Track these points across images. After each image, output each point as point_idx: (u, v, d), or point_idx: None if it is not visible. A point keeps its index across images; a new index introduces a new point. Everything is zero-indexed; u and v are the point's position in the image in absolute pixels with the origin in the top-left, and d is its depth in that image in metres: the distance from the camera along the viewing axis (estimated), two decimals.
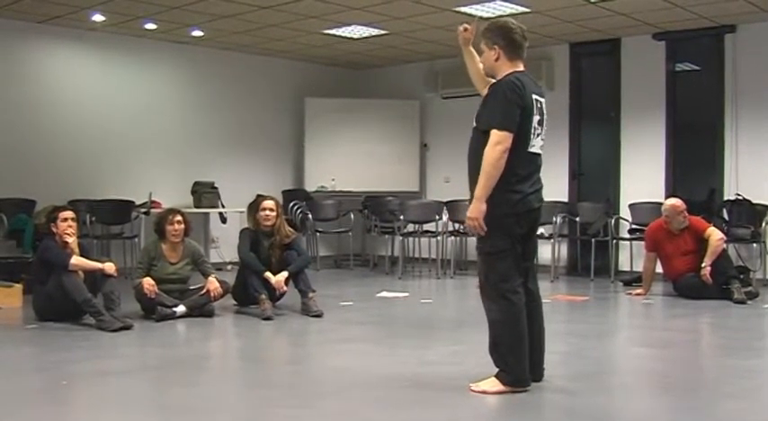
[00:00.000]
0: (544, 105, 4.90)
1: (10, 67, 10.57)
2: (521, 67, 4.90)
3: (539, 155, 4.89)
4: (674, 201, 9.27)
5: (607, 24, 10.62)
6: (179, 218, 7.83)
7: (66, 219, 7.35)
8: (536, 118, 4.78)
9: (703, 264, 8.86)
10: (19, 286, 8.42)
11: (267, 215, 8.07)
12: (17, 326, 7.40)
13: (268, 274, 7.88)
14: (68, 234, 7.29)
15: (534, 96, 4.79)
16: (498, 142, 4.63)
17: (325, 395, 4.99)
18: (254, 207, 8.22)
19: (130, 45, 11.55)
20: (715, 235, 9.02)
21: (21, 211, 10.20)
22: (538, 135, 4.82)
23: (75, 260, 7.15)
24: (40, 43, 10.81)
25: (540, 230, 10.17)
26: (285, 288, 7.93)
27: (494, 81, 4.91)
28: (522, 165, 4.76)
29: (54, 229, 7.31)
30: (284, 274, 7.88)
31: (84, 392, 5.20)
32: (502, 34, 4.88)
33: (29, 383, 5.36)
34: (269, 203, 8.14)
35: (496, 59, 4.89)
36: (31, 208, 10.36)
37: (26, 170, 10.59)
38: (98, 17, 10.37)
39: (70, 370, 5.64)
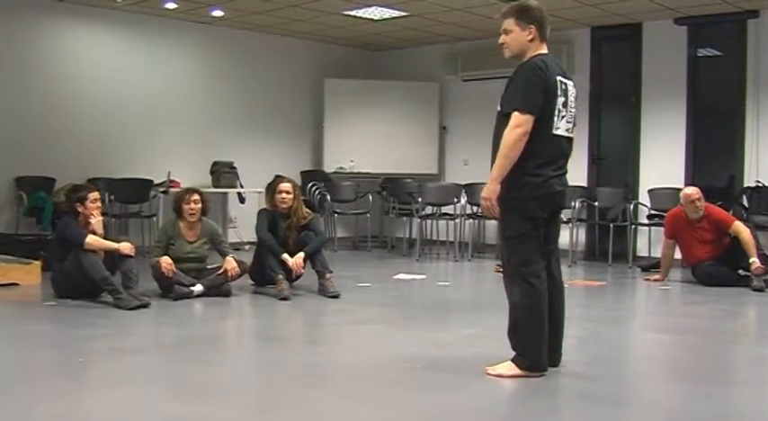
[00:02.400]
0: (570, 87, 4.85)
1: (30, 45, 10.60)
2: (545, 49, 4.87)
3: (565, 138, 4.84)
4: (688, 189, 9.21)
5: (628, 8, 10.55)
6: (196, 197, 7.84)
7: (95, 201, 7.40)
8: (560, 100, 4.73)
9: (751, 260, 8.75)
10: (38, 263, 8.46)
11: (283, 198, 8.07)
12: (35, 303, 7.44)
13: (285, 257, 7.88)
14: (94, 215, 7.33)
15: (558, 78, 4.75)
16: (518, 125, 4.60)
17: (341, 376, 5.00)
18: (272, 188, 8.22)
19: (151, 25, 11.57)
20: (743, 230, 8.93)
21: (40, 189, 10.26)
22: (563, 117, 4.77)
23: (91, 239, 7.16)
24: (60, 22, 10.84)
25: None
26: (303, 269, 7.94)
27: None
28: (546, 148, 4.72)
29: (81, 209, 7.34)
30: (301, 255, 7.88)
31: (100, 369, 5.24)
32: (538, 16, 4.83)
33: (46, 359, 5.40)
34: (285, 186, 8.13)
35: (531, 39, 4.83)
36: (50, 186, 10.43)
37: (46, 148, 10.64)
38: None
39: (87, 347, 5.67)
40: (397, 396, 4.51)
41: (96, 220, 7.33)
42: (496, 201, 4.70)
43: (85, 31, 11.13)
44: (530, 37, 4.83)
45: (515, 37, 4.87)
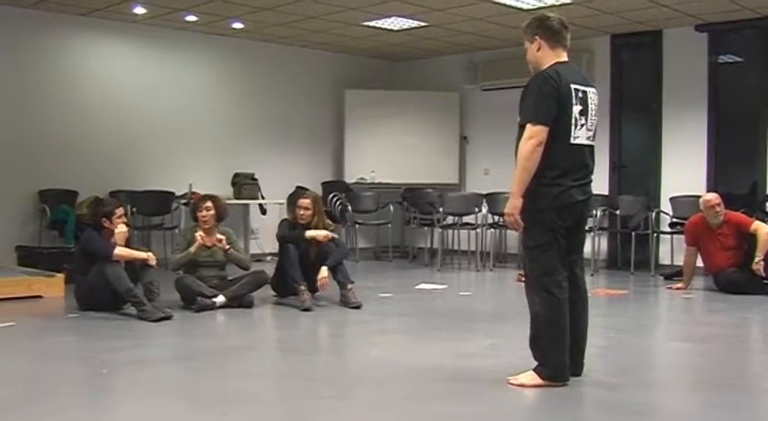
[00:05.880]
0: (590, 94, 4.85)
1: (53, 60, 10.68)
2: (563, 57, 4.87)
3: (585, 146, 4.83)
4: (707, 195, 9.21)
5: (649, 16, 10.53)
6: (208, 204, 7.92)
7: (121, 216, 7.49)
8: (577, 108, 4.73)
9: (756, 259, 8.75)
10: (61, 276, 8.52)
11: (302, 214, 8.08)
12: (59, 316, 7.47)
13: (310, 232, 7.95)
14: (121, 229, 7.41)
15: (574, 86, 4.74)
16: (531, 136, 4.62)
17: (363, 386, 5.00)
18: (293, 201, 8.25)
19: (171, 37, 11.63)
20: (762, 228, 8.90)
21: (63, 202, 10.32)
22: (582, 126, 4.77)
23: (119, 250, 7.24)
24: (82, 36, 10.91)
25: None
26: (328, 285, 7.95)
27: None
28: (564, 158, 4.72)
29: (107, 224, 7.40)
30: (324, 271, 7.89)
31: (124, 381, 5.25)
32: (539, 24, 4.87)
33: (70, 371, 5.44)
34: (304, 202, 8.12)
35: (538, 50, 4.87)
36: (73, 199, 10.49)
37: (68, 162, 10.70)
38: (139, 9, 10.44)
39: (111, 358, 5.69)
40: (420, 406, 4.51)
41: (119, 231, 7.38)
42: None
43: (107, 44, 11.20)
44: (536, 48, 4.87)
45: (528, 51, 4.95)
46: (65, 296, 8.24)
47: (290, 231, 8.04)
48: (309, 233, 7.97)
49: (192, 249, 7.74)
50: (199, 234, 7.78)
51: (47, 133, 10.56)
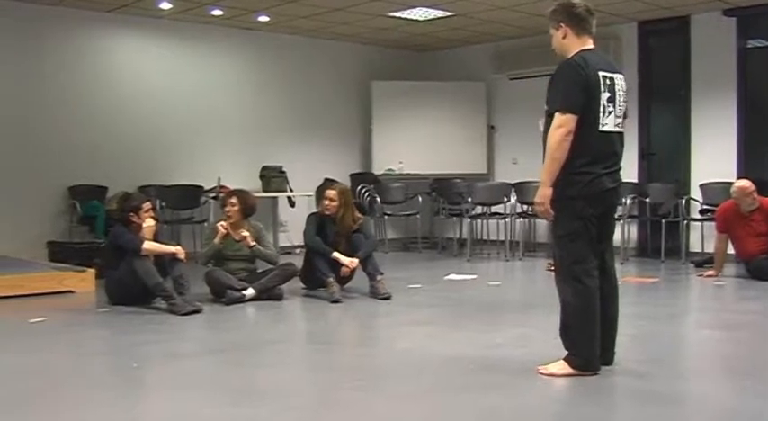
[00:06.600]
0: (617, 81, 4.81)
1: (81, 56, 10.74)
2: (590, 45, 4.84)
3: (614, 133, 4.80)
4: (742, 182, 9.12)
5: (676, 2, 10.44)
6: (233, 199, 7.93)
7: (148, 210, 7.54)
8: (605, 95, 4.70)
9: None
10: (92, 271, 8.57)
11: (327, 205, 8.09)
12: (90, 310, 7.53)
13: (336, 254, 7.91)
14: (148, 223, 7.46)
15: (601, 73, 4.71)
16: (560, 125, 4.59)
17: (393, 378, 5.01)
18: (321, 192, 8.25)
19: (197, 32, 11.66)
20: None
21: (93, 198, 10.39)
22: (610, 113, 4.73)
23: (148, 245, 7.28)
24: (109, 33, 10.96)
25: None
26: (355, 263, 7.93)
27: None
28: (593, 146, 4.69)
29: (134, 219, 7.44)
30: (355, 260, 7.91)
31: (155, 374, 5.28)
32: (564, 11, 4.84)
33: (101, 365, 5.48)
34: (330, 193, 8.12)
35: (564, 37, 4.85)
36: (102, 194, 10.56)
37: (98, 157, 10.77)
38: (165, 5, 10.48)
39: (141, 352, 5.73)
40: (450, 397, 4.50)
41: (147, 226, 7.42)
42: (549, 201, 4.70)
43: (134, 40, 11.25)
44: (562, 35, 4.85)
45: (554, 39, 4.93)
46: (96, 291, 8.29)
47: (318, 242, 8.01)
48: (336, 255, 7.95)
49: (216, 240, 7.77)
50: (220, 224, 7.81)
51: (76, 130, 10.64)
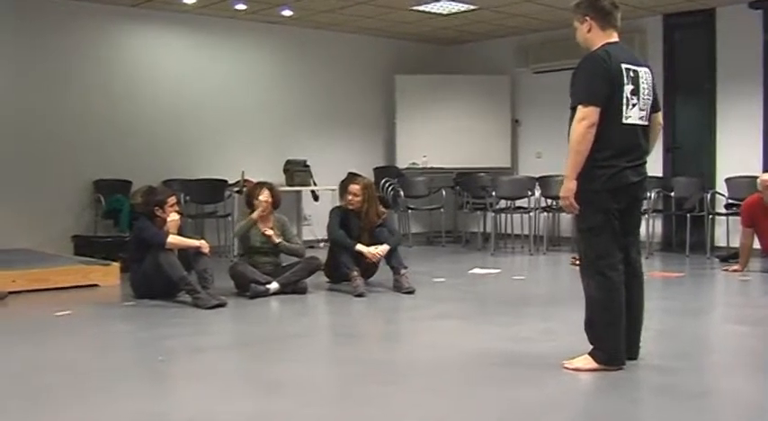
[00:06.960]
0: (641, 74, 4.78)
1: (105, 51, 10.77)
2: (614, 38, 4.82)
3: (638, 126, 4.77)
4: (766, 175, 9.05)
5: None
6: (265, 192, 7.92)
7: (173, 205, 7.56)
8: (628, 88, 4.67)
9: None
10: (116, 265, 8.61)
11: (350, 200, 8.08)
12: (115, 304, 7.57)
13: (360, 247, 7.91)
14: (173, 217, 7.49)
15: (625, 66, 4.69)
16: (583, 118, 4.57)
17: (417, 372, 5.00)
18: (344, 187, 8.24)
19: (221, 26, 11.68)
20: None
21: (117, 192, 10.42)
22: (634, 105, 4.71)
23: (172, 238, 7.31)
24: (133, 27, 10.99)
25: None
26: (380, 254, 7.93)
27: None
28: (617, 139, 4.67)
29: (159, 213, 7.47)
30: (380, 251, 7.90)
31: (180, 367, 5.31)
32: (589, 4, 4.82)
33: (127, 358, 5.51)
34: (354, 188, 8.10)
35: (589, 31, 4.83)
36: (127, 188, 10.58)
37: (122, 152, 10.81)
38: None
39: (167, 345, 5.76)
40: (475, 391, 4.50)
41: (171, 220, 7.45)
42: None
43: (158, 34, 11.29)
44: (587, 29, 4.83)
45: (578, 32, 4.91)
46: (120, 284, 8.32)
47: (342, 236, 8.02)
48: (360, 247, 7.95)
49: (255, 215, 7.78)
50: (258, 211, 7.83)
51: (101, 124, 10.67)
